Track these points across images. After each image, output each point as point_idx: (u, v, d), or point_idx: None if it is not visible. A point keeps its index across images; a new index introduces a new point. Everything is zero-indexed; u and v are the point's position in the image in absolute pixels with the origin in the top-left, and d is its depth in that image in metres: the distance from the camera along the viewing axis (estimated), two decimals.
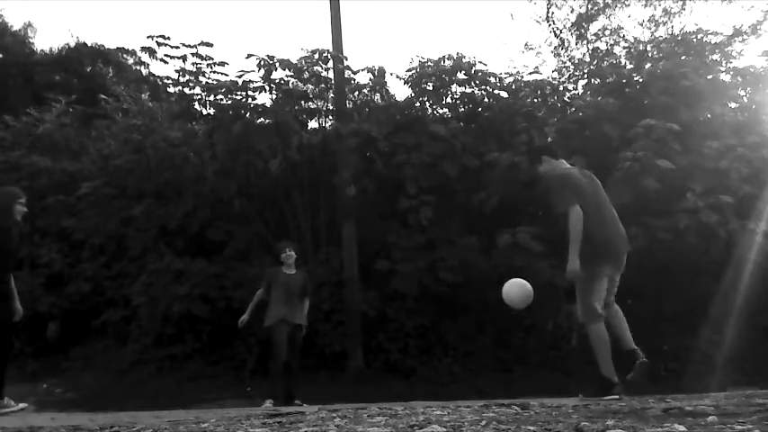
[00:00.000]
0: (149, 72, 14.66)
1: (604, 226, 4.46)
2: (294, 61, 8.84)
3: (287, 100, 9.00)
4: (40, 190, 9.63)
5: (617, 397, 4.11)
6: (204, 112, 9.41)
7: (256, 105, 8.87)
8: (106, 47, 18.61)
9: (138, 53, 14.59)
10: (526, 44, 15.63)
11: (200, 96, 9.12)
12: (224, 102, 8.87)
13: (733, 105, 9.43)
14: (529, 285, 4.53)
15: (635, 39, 12.53)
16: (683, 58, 9.63)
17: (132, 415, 4.25)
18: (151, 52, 9.26)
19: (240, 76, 8.71)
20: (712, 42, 10.18)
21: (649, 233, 7.30)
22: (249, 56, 8.62)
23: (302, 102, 9.24)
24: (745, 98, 9.50)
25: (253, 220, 8.83)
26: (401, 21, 40.73)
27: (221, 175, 8.61)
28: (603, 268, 4.43)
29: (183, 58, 8.94)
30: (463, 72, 9.02)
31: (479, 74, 9.02)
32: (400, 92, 17.11)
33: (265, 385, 6.49)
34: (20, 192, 5.25)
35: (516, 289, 4.53)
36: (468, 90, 9.20)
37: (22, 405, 4.86)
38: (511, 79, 9.34)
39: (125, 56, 18.43)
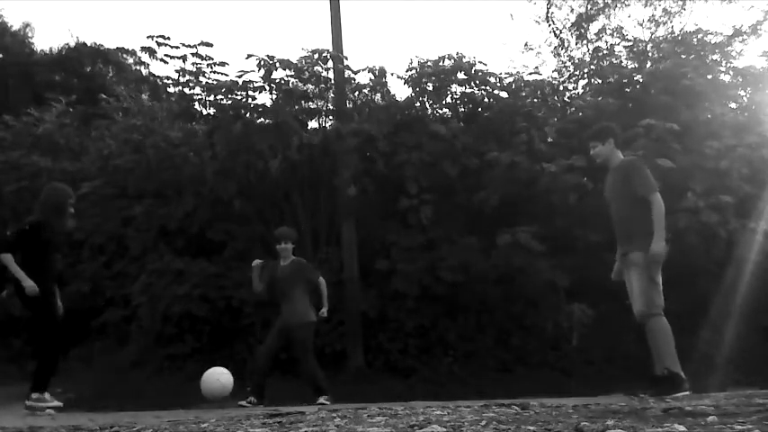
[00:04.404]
0: (149, 72, 14.64)
1: None
2: (294, 61, 8.83)
3: (287, 100, 8.99)
4: (40, 190, 9.59)
5: (688, 392, 4.03)
6: (204, 112, 9.41)
7: (256, 105, 8.87)
8: (106, 47, 18.65)
9: (138, 53, 14.54)
10: (526, 44, 15.70)
11: (200, 96, 9.11)
12: (224, 102, 8.86)
13: (733, 105, 9.43)
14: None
15: (634, 38, 12.54)
16: (683, 57, 9.63)
17: (132, 415, 4.26)
18: (151, 52, 9.25)
19: (240, 76, 8.71)
20: (712, 42, 10.17)
21: None
22: (249, 56, 8.62)
23: (302, 102, 9.22)
24: (745, 98, 9.50)
25: (253, 221, 8.83)
26: (401, 21, 40.76)
27: (221, 176, 8.60)
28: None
29: (183, 58, 8.94)
30: (463, 72, 9.01)
31: (479, 74, 9.01)
32: (400, 92, 17.06)
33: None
34: (71, 191, 5.23)
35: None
36: (468, 90, 9.20)
37: (57, 403, 5.09)
38: (511, 79, 9.33)
39: (125, 56, 18.46)
